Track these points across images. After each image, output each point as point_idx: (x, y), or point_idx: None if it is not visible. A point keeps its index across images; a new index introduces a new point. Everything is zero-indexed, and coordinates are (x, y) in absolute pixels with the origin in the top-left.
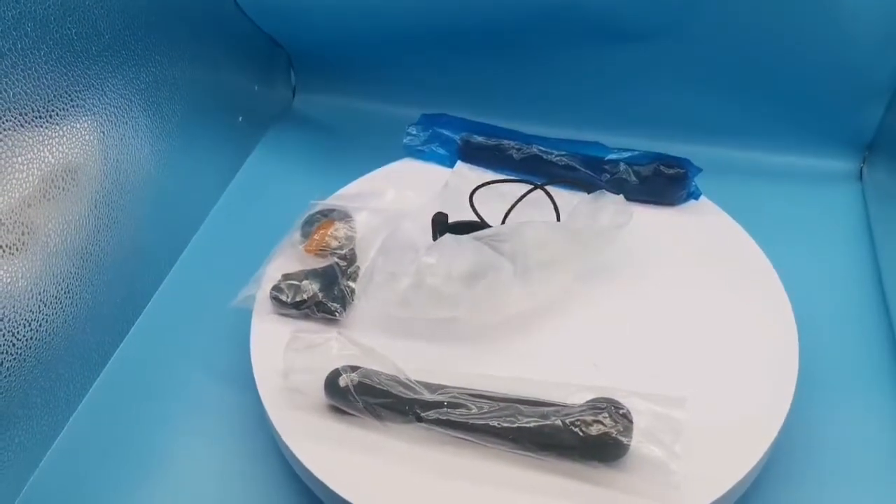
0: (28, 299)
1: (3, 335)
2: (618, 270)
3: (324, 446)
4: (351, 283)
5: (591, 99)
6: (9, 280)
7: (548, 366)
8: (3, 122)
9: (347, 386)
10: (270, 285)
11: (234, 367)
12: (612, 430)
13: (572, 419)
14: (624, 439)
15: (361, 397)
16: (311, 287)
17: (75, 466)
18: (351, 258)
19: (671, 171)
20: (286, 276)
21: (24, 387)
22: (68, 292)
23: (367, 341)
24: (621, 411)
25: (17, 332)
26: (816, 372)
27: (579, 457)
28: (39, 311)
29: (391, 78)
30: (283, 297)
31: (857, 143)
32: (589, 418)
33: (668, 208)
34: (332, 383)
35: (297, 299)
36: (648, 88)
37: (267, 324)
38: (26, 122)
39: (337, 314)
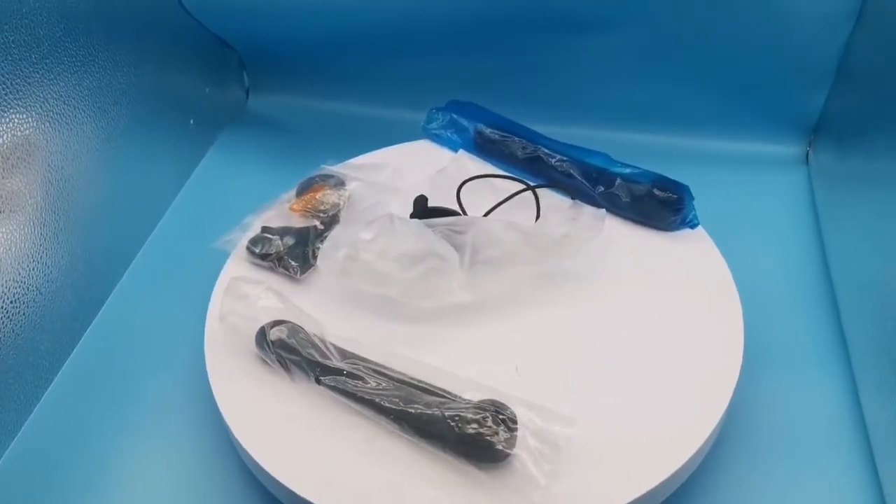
0: None
1: None
2: (577, 282)
3: (238, 388)
4: (320, 246)
5: (541, 90)
6: None
7: (471, 360)
8: None
9: (266, 337)
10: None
11: (193, 372)
12: (486, 433)
13: (452, 414)
14: (496, 444)
15: (277, 350)
16: (281, 243)
17: (27, 475)
18: (329, 224)
19: (663, 195)
20: (266, 229)
21: None
22: (14, 302)
23: (310, 301)
24: (501, 416)
25: None
26: (763, 357)
27: (451, 451)
28: None
29: (348, 76)
30: (255, 248)
31: (802, 127)
32: (469, 416)
33: (660, 233)
34: (259, 333)
35: (265, 252)
36: (593, 79)
37: (237, 269)
38: None
39: (292, 272)
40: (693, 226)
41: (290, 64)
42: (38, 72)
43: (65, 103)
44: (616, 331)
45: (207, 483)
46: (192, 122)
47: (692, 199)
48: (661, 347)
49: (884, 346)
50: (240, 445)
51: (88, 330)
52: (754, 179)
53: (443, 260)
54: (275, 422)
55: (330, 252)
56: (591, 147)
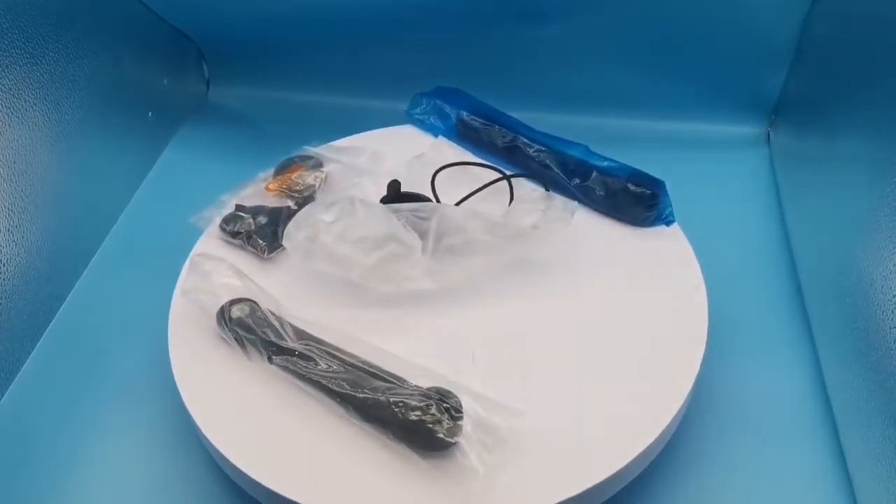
0: None
1: None
2: (543, 273)
3: (197, 365)
4: None
5: (504, 77)
6: None
7: (429, 347)
8: None
9: (224, 315)
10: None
11: (157, 362)
12: (428, 420)
13: (397, 400)
14: (438, 433)
15: (234, 328)
16: (253, 222)
17: None
18: (303, 205)
19: (637, 190)
20: (239, 207)
21: None
22: None
23: (275, 281)
24: (445, 405)
25: None
26: (727, 336)
27: (395, 437)
28: None
29: (311, 66)
30: (227, 226)
31: (763, 107)
32: (413, 403)
33: (635, 228)
34: (219, 311)
35: (235, 230)
36: (558, 65)
37: (208, 246)
38: None
39: (259, 251)
40: (668, 223)
41: (252, 54)
42: None
43: (14, 96)
44: (579, 322)
45: (172, 465)
46: (150, 114)
47: (667, 195)
48: (624, 336)
49: (842, 321)
50: (194, 422)
51: (49, 327)
52: (716, 160)
53: (404, 245)
54: (229, 399)
55: (293, 232)
56: (550, 131)
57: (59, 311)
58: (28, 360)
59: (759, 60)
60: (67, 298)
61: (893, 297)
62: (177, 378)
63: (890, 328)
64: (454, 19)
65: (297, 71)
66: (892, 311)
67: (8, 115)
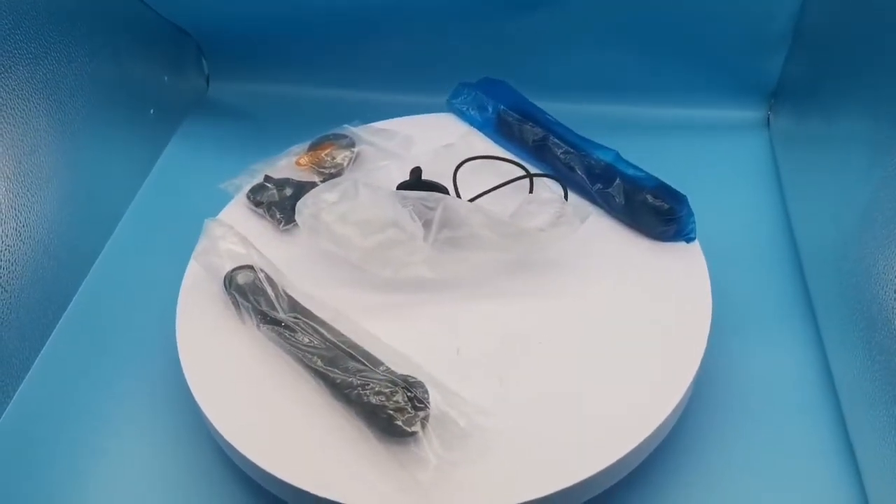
0: None
1: None
2: (545, 275)
3: (196, 318)
4: None
5: (505, 65)
6: None
7: (417, 336)
8: None
9: (226, 280)
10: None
11: (162, 355)
12: (390, 407)
13: (364, 382)
14: (396, 420)
15: (232, 292)
16: (277, 193)
17: (4, 467)
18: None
19: (655, 203)
20: (268, 178)
21: None
22: None
23: (286, 252)
24: (409, 394)
25: None
26: (730, 320)
27: (357, 418)
28: None
29: (311, 59)
30: (253, 195)
31: (762, 91)
32: (379, 388)
33: (653, 242)
34: (226, 275)
35: (259, 200)
36: (556, 52)
37: (233, 212)
38: None
39: (276, 222)
40: (689, 240)
41: (250, 48)
42: None
43: (18, 97)
44: (574, 320)
45: (183, 458)
46: (152, 111)
47: (690, 212)
48: (624, 332)
49: (845, 303)
50: (195, 400)
51: (58, 325)
52: (717, 144)
53: (405, 232)
54: (223, 361)
55: (301, 209)
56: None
57: (68, 309)
58: (38, 359)
59: (757, 45)
60: (76, 296)
61: (895, 277)
62: (180, 348)
63: (893, 308)
64: (449, 10)
65: (296, 64)
66: (895, 292)
67: (13, 115)
